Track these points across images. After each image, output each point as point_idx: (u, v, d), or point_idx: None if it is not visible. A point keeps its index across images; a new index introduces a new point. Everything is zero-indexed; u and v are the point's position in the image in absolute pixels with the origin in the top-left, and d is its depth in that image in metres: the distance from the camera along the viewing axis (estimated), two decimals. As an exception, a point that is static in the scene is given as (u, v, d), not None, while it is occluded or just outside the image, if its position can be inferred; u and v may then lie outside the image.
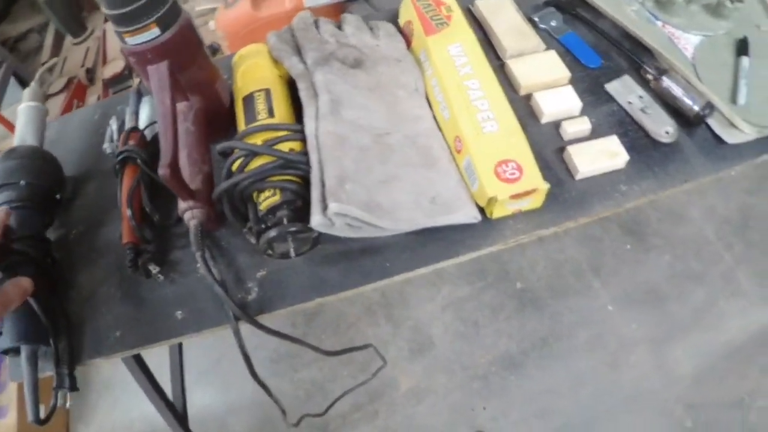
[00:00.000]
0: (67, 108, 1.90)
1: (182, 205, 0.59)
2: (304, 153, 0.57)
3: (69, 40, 2.29)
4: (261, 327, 0.56)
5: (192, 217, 0.59)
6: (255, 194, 0.57)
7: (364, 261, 0.60)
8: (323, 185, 0.53)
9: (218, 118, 0.68)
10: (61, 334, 0.60)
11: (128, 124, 0.73)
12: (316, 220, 0.51)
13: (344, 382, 1.45)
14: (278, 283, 0.60)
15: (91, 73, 2.09)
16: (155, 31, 0.56)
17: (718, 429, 1.35)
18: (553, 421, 1.38)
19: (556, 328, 1.52)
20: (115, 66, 1.76)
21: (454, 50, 0.67)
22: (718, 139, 0.67)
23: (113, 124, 0.76)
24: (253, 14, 1.51)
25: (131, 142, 0.68)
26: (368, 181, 0.55)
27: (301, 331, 1.57)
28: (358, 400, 1.44)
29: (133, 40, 0.56)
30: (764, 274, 1.54)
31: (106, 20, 1.97)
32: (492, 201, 0.57)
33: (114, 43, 1.89)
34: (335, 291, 0.58)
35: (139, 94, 0.77)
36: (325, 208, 0.51)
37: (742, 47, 0.72)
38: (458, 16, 0.72)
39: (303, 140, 0.59)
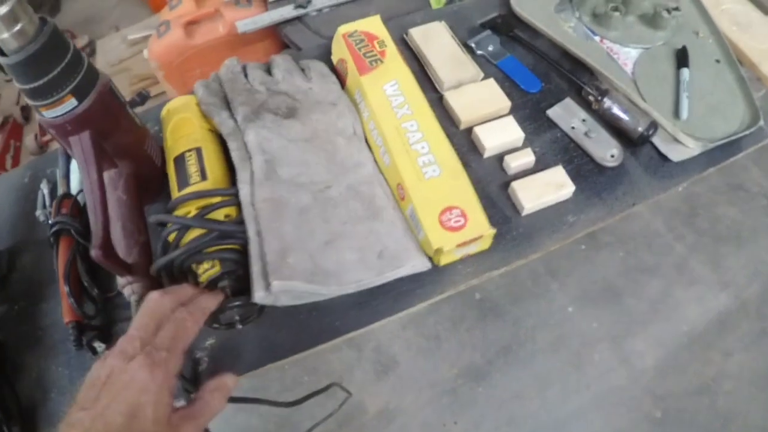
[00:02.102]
0: (5, 150, 1.84)
1: (121, 280, 0.56)
2: (241, 220, 0.55)
3: (0, 77, 2.18)
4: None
5: (132, 293, 0.56)
6: (194, 266, 0.54)
7: (313, 321, 0.58)
8: (263, 260, 0.51)
9: (151, 180, 0.65)
10: (13, 421, 0.57)
11: (59, 190, 0.70)
12: (260, 297, 0.49)
13: (312, 411, 1.42)
14: (229, 350, 0.58)
15: (26, 111, 2.00)
16: (72, 102, 0.52)
17: (687, 417, 1.38)
18: (524, 427, 1.40)
19: (518, 333, 1.53)
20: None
21: (390, 90, 0.66)
22: (664, 157, 0.67)
23: (44, 189, 0.73)
24: (187, 42, 1.45)
25: (63, 211, 0.65)
26: (311, 247, 0.54)
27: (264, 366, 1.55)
28: (327, 427, 1.41)
29: (50, 113, 0.52)
30: (717, 261, 1.59)
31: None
32: (438, 251, 0.56)
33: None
34: (287, 354, 0.57)
35: (68, 156, 0.73)
36: (267, 285, 0.49)
37: (682, 58, 0.72)
38: (392, 50, 0.70)
39: (238, 204, 0.56)
